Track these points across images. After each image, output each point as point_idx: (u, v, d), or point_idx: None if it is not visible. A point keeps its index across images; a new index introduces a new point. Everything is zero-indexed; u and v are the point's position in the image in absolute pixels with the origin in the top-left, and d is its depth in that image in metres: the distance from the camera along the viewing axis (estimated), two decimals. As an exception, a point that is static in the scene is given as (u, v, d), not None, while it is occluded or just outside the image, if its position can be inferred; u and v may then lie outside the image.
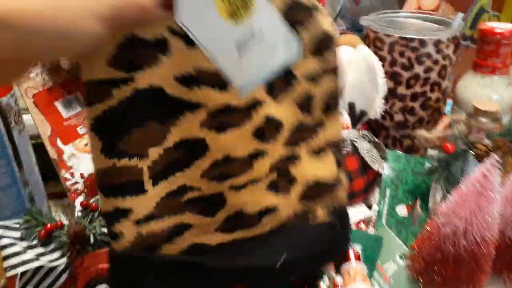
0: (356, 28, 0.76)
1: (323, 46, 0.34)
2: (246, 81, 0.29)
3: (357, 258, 0.41)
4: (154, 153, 0.30)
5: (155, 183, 0.31)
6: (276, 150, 0.34)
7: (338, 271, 0.42)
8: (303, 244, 0.36)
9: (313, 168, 0.36)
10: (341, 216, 0.38)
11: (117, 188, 0.30)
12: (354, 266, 0.40)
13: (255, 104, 0.32)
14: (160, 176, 0.31)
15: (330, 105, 0.36)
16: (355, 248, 0.42)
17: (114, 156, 0.29)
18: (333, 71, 0.35)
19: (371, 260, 0.43)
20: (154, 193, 0.31)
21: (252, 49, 0.28)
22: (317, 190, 0.36)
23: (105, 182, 0.30)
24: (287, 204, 0.35)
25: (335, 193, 0.38)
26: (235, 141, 0.32)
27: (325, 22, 0.34)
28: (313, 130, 0.36)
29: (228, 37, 0.27)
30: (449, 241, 0.37)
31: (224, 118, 0.31)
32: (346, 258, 0.40)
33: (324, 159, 0.37)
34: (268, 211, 0.34)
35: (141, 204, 0.31)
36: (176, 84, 0.29)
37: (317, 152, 0.36)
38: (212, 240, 0.33)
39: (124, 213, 0.30)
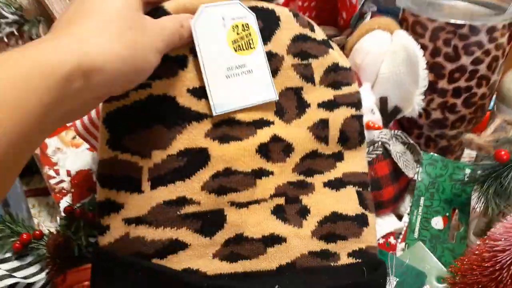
0: (379, 10, 0.69)
1: (337, 77, 0.37)
2: (224, 102, 0.32)
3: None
4: (157, 156, 0.31)
5: (153, 187, 0.31)
6: (284, 173, 0.34)
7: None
8: None
9: (329, 201, 0.35)
10: (370, 261, 0.35)
11: (114, 180, 0.31)
12: None
13: (261, 122, 0.34)
14: (159, 181, 0.31)
15: (349, 137, 0.37)
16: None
17: (117, 149, 0.31)
18: (352, 104, 0.37)
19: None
20: (151, 196, 0.31)
21: (239, 77, 0.33)
22: (336, 227, 0.34)
23: (104, 172, 0.31)
24: (299, 238, 0.33)
25: (359, 233, 0.35)
26: (237, 154, 0.32)
27: (337, 56, 0.37)
28: (330, 162, 0.36)
29: (224, 59, 0.32)
30: (507, 271, 0.31)
31: (227, 130, 0.32)
32: None
33: (344, 195, 0.36)
34: (275, 241, 0.32)
35: (134, 203, 0.31)
36: (188, 95, 0.32)
37: (335, 186, 0.36)
38: (209, 267, 0.31)
39: (115, 206, 0.31)
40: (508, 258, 0.31)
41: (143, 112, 0.31)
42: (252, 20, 0.33)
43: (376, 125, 0.42)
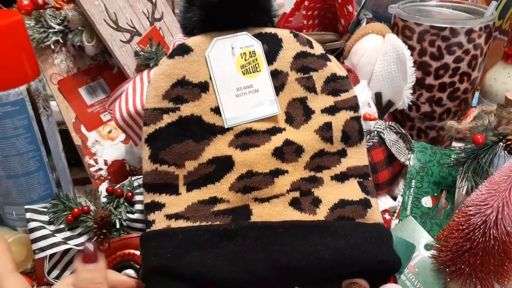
0: (376, 18, 0.75)
1: (335, 86, 0.42)
2: (234, 116, 0.39)
3: (394, 281, 0.39)
4: (190, 165, 0.38)
5: (189, 189, 0.38)
6: (297, 171, 0.40)
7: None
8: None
9: (337, 192, 0.40)
10: (376, 231, 0.39)
11: (156, 186, 0.38)
12: None
13: (274, 130, 0.40)
14: (194, 185, 0.38)
15: (350, 136, 0.42)
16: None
17: (157, 162, 0.37)
18: (350, 108, 0.42)
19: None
20: (187, 197, 0.38)
21: (247, 96, 0.39)
22: (344, 211, 0.39)
23: (148, 181, 0.38)
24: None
25: (364, 214, 0.40)
26: (257, 158, 0.38)
27: (335, 66, 0.42)
28: (335, 158, 0.42)
29: (233, 82, 0.39)
30: (479, 231, 0.37)
31: (246, 139, 0.39)
32: (385, 281, 0.39)
33: (348, 185, 0.41)
34: None
35: (174, 203, 0.37)
36: (211, 114, 0.38)
37: (340, 179, 0.41)
38: None
39: (158, 206, 0.37)
40: (478, 220, 0.37)
41: (175, 131, 0.37)
42: (258, 47, 0.40)
43: (372, 116, 0.49)
